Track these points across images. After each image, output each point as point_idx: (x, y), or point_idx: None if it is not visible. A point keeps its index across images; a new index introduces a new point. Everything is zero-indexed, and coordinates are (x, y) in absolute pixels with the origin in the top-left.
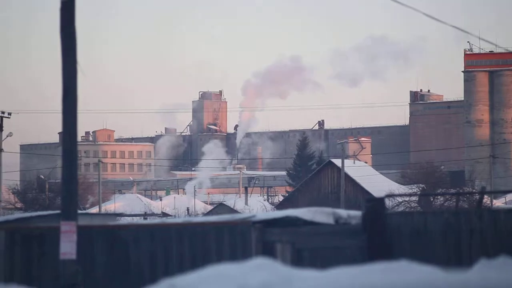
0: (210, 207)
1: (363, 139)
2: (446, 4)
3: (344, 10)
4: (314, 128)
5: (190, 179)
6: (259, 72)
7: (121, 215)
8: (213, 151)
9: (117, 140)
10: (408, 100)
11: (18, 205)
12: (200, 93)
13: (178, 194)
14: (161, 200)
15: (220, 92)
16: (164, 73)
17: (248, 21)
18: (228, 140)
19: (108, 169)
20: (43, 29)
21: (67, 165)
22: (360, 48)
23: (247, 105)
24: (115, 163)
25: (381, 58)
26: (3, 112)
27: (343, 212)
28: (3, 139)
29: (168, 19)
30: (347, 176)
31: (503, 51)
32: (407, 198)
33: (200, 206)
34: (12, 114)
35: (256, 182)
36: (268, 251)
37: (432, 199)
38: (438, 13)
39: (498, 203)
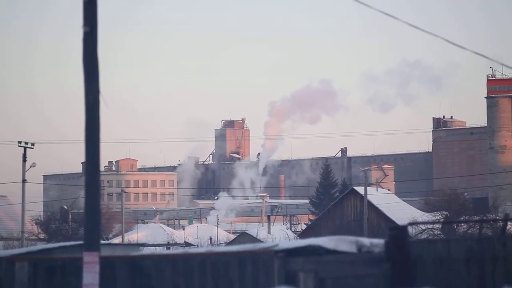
0: (232, 236)
1: (386, 166)
2: (468, 30)
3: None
4: (337, 156)
5: (213, 208)
6: (285, 96)
7: (144, 245)
8: (243, 175)
9: (140, 170)
10: (431, 127)
11: (41, 236)
12: (223, 121)
13: (201, 223)
14: (183, 229)
15: (243, 120)
16: (189, 101)
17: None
18: (251, 168)
19: (131, 199)
20: (68, 58)
21: (90, 195)
22: (378, 75)
23: (271, 131)
24: (138, 193)
25: (404, 85)
26: (26, 143)
27: (366, 241)
28: (26, 169)
29: (195, 46)
30: (370, 204)
31: None
32: (430, 226)
33: (223, 235)
34: (35, 144)
35: (279, 210)
36: (291, 280)
37: (455, 227)
38: (460, 39)
39: None
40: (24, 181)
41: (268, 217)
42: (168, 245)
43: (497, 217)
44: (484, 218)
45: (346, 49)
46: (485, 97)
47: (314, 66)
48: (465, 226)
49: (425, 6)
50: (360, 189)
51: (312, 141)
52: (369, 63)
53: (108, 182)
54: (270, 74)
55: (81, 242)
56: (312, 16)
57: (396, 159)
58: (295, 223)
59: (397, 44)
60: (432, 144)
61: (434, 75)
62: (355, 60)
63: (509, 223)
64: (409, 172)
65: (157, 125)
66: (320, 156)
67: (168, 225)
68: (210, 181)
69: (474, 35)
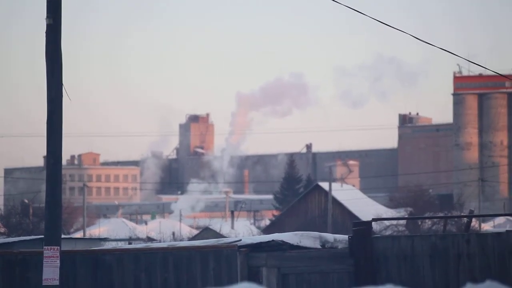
0: (196, 231)
1: (351, 162)
2: (435, 26)
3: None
4: (302, 151)
5: (176, 203)
6: (254, 89)
7: (105, 239)
8: (207, 170)
9: (103, 164)
10: (397, 123)
11: (1, 230)
12: (188, 116)
13: (164, 218)
14: (146, 224)
15: (208, 115)
16: (154, 94)
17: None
18: (214, 163)
19: (93, 193)
20: (27, 51)
21: (51, 189)
22: (347, 70)
23: (237, 122)
24: (101, 187)
25: (369, 80)
26: None
27: (329, 236)
28: None
29: (159, 38)
30: (334, 200)
31: (492, 73)
32: (394, 222)
33: (186, 230)
34: None
35: (243, 206)
36: (253, 275)
37: (420, 223)
38: (427, 36)
39: (487, 226)
40: None
41: (232, 212)
42: (130, 240)
43: (462, 214)
44: (449, 214)
45: (318, 44)
46: (451, 94)
47: (286, 60)
48: (429, 222)
49: (398, 2)
50: (324, 185)
51: (278, 136)
52: (342, 58)
53: (70, 176)
54: (239, 68)
55: (42, 236)
56: (286, 10)
57: (362, 155)
58: (259, 218)
59: (371, 39)
60: (398, 140)
61: (405, 72)
62: (328, 55)
63: (473, 220)
64: (375, 168)
65: (120, 119)
66: (286, 152)
67: (130, 220)
68: (174, 176)
69: (442, 32)
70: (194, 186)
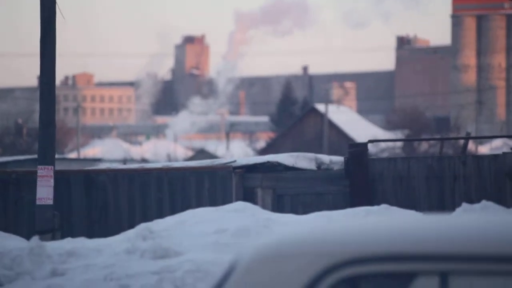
0: (191, 153)
1: (347, 84)
2: None
3: None
4: (298, 74)
5: (171, 124)
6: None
7: (100, 160)
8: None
9: (97, 85)
10: (395, 45)
11: None
12: (183, 36)
13: (159, 139)
14: (141, 145)
15: (203, 36)
16: (149, 13)
17: None
18: (211, 85)
19: (87, 114)
20: None
21: (45, 109)
22: None
23: (233, 43)
24: (95, 108)
25: (372, 2)
26: None
27: (325, 158)
28: None
29: None
30: (330, 122)
31: None
32: (391, 145)
33: (181, 152)
34: None
35: (238, 127)
36: (248, 197)
37: (416, 146)
38: None
39: (483, 149)
40: None
41: (227, 134)
42: (124, 161)
43: (458, 136)
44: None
45: None
46: (450, 16)
47: None
48: (426, 145)
49: None
50: (321, 107)
51: (275, 58)
52: None
53: (64, 97)
54: None
55: (35, 156)
56: None
57: (359, 78)
58: (254, 140)
59: None
60: (395, 62)
61: None
62: None
63: (470, 142)
64: (371, 90)
65: (115, 40)
66: (283, 74)
67: (125, 141)
68: (169, 97)
69: None
70: (190, 107)
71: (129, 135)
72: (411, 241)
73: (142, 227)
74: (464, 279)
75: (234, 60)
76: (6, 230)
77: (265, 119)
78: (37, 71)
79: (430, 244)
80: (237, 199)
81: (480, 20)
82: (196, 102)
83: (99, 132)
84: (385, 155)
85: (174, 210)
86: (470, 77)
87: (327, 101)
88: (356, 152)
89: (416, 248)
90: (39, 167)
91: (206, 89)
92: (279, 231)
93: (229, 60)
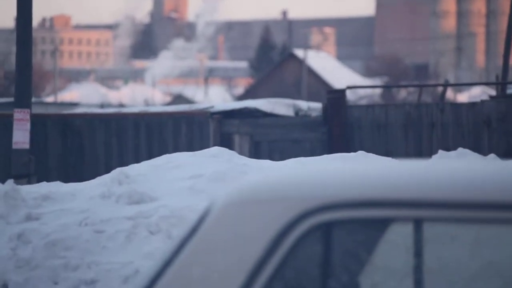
0: (169, 98)
1: (327, 30)
2: None
3: None
4: (277, 18)
5: (149, 68)
6: None
7: (77, 104)
8: (181, 36)
9: (75, 27)
10: None
11: None
12: None
13: (137, 84)
14: (118, 90)
15: None
16: None
17: None
18: (189, 29)
19: (65, 57)
20: None
21: (21, 52)
22: None
23: None
24: (72, 51)
25: None
26: None
27: (303, 104)
28: None
29: None
30: (309, 68)
31: None
32: (370, 92)
33: (159, 97)
34: None
35: (217, 73)
36: (226, 143)
37: (395, 93)
38: None
39: (462, 97)
40: None
41: (206, 79)
42: (102, 106)
43: (437, 83)
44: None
45: None
46: None
47: None
48: (405, 93)
49: None
50: (300, 53)
51: (254, 2)
52: None
53: (42, 39)
54: None
55: (12, 99)
56: None
57: (338, 23)
58: (233, 86)
59: None
60: (376, 8)
61: None
62: None
63: (449, 90)
64: (351, 36)
65: None
66: (262, 19)
67: (102, 86)
68: (147, 41)
69: None
70: (168, 51)
71: (107, 79)
72: (387, 187)
73: (117, 171)
74: (438, 226)
75: (214, 2)
76: None
77: (244, 64)
78: (14, 12)
79: (405, 190)
80: (215, 145)
81: None
82: (175, 46)
83: (77, 76)
84: (363, 102)
85: (151, 155)
86: (449, 24)
87: (306, 46)
88: (334, 98)
89: (391, 194)
90: (15, 110)
91: (185, 32)
92: (254, 176)
93: (208, 2)
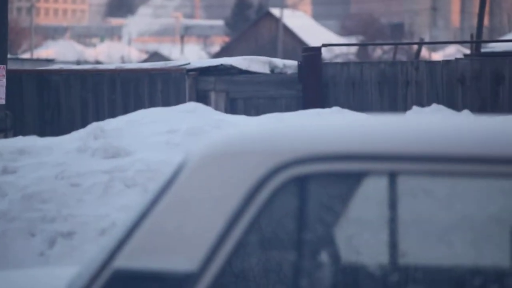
0: (145, 56)
1: None
2: None
3: None
4: None
5: (126, 26)
6: None
7: (52, 61)
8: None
9: None
10: None
11: None
12: None
13: (113, 41)
14: (95, 47)
15: None
16: None
17: None
18: None
19: (41, 14)
20: None
21: None
22: None
23: None
24: (49, 8)
25: None
26: None
27: (279, 61)
28: None
29: None
30: (285, 27)
31: None
32: (345, 50)
33: (135, 54)
34: None
35: (193, 31)
36: (202, 100)
37: (370, 52)
38: None
39: (437, 56)
40: None
41: (182, 37)
42: (78, 63)
43: (412, 42)
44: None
45: None
46: None
47: None
48: (380, 51)
49: None
50: (276, 12)
51: None
52: None
53: None
54: None
55: None
56: None
57: None
58: (209, 44)
59: None
60: None
61: None
62: None
63: (423, 49)
64: None
65: None
66: None
67: (79, 43)
68: None
69: None
70: (144, 9)
71: (83, 36)
72: (361, 141)
73: (93, 126)
74: (412, 179)
75: None
76: None
77: (220, 22)
78: None
79: (380, 143)
80: (190, 102)
81: None
82: (153, 4)
83: (53, 33)
84: (339, 60)
85: (127, 111)
86: None
87: (282, 5)
88: (310, 56)
89: (366, 147)
90: None
91: None
92: (229, 130)
93: None
